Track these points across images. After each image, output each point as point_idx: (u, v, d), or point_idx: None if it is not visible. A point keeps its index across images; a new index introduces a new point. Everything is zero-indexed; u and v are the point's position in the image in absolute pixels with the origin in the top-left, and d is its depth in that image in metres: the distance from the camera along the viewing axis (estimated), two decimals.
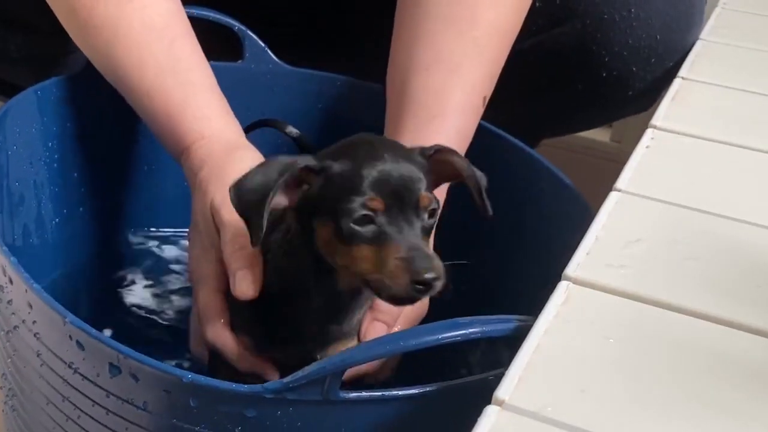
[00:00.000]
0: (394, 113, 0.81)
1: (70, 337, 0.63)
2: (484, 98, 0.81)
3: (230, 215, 0.70)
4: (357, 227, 0.63)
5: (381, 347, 0.59)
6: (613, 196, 0.71)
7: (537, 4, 0.86)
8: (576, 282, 0.61)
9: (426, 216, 0.64)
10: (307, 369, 0.59)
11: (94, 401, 0.64)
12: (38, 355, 0.67)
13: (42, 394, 0.68)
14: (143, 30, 0.80)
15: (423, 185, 0.65)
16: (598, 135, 1.43)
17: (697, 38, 1.01)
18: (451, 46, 0.80)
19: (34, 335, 0.66)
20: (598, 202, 0.70)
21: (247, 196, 0.64)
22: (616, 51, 0.97)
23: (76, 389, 0.65)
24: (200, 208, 0.74)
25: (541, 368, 0.53)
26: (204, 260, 0.72)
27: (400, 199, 0.64)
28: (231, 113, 0.81)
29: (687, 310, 0.59)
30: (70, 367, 0.64)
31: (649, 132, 0.82)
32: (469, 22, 0.81)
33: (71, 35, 0.82)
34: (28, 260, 0.67)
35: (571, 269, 0.62)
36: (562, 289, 0.60)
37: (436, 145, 0.68)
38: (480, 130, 0.91)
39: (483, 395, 0.51)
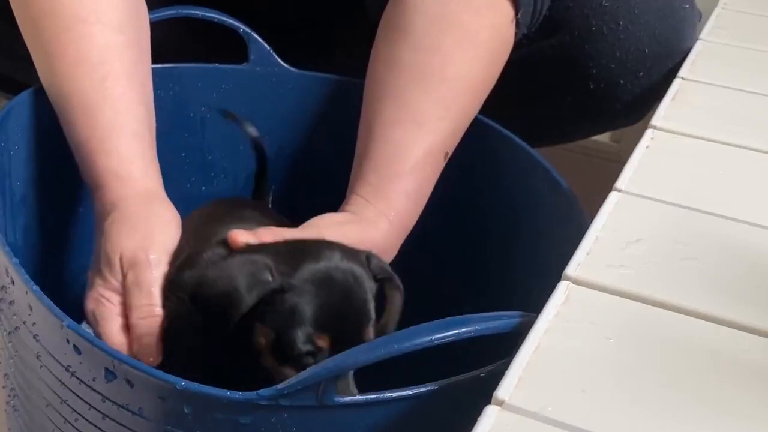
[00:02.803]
0: (358, 166, 0.81)
1: (67, 340, 0.63)
2: (446, 154, 0.82)
3: (143, 276, 0.70)
4: (296, 357, 0.65)
5: (374, 351, 0.59)
6: (613, 196, 0.71)
7: (524, 17, 0.86)
8: (576, 282, 0.61)
9: None
10: (302, 375, 0.58)
11: (90, 405, 0.64)
12: (38, 357, 0.67)
13: (41, 396, 0.68)
14: (75, 62, 0.78)
15: (369, 320, 0.67)
16: (598, 135, 1.43)
17: (688, 51, 1.01)
18: (417, 101, 0.80)
19: (34, 337, 0.66)
20: (598, 202, 0.70)
21: (215, 303, 0.66)
22: (603, 63, 0.97)
23: (73, 392, 0.64)
24: (106, 254, 0.72)
25: (541, 368, 0.53)
26: (106, 301, 0.71)
27: (347, 340, 0.65)
28: (154, 161, 0.80)
29: (687, 310, 0.59)
30: (67, 370, 0.64)
31: (649, 132, 0.82)
32: (438, 78, 0.81)
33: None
34: (30, 261, 0.67)
35: (571, 269, 0.62)
36: (562, 289, 0.60)
37: (389, 275, 0.71)
38: (481, 128, 0.92)
39: (478, 392, 0.51)
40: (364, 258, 0.70)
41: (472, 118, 0.85)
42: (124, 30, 0.81)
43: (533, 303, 0.59)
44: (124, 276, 0.71)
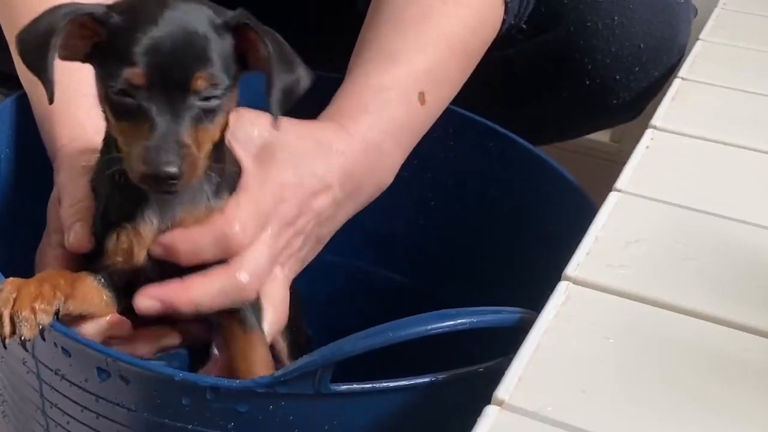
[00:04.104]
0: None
1: (55, 344, 0.62)
2: (421, 93, 0.78)
3: (69, 181, 0.68)
4: (117, 100, 0.60)
5: (370, 339, 0.59)
6: (613, 196, 0.71)
7: (512, 3, 0.86)
8: (576, 282, 0.61)
9: (198, 101, 0.60)
10: (298, 362, 0.59)
11: (83, 406, 0.63)
12: (24, 363, 0.66)
13: (31, 401, 0.68)
14: None
15: (203, 65, 0.60)
16: (598, 135, 1.43)
17: (684, 47, 1.01)
18: (393, 43, 0.79)
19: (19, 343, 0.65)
20: (598, 202, 0.70)
21: (32, 41, 0.61)
22: (599, 59, 0.98)
23: (64, 396, 0.64)
24: (51, 201, 0.72)
25: (541, 368, 0.53)
26: (47, 247, 0.70)
27: (167, 76, 0.59)
28: None
29: (686, 310, 0.59)
30: (56, 374, 0.63)
31: (649, 132, 0.82)
32: (417, 25, 0.80)
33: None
34: (20, 264, 0.67)
35: (571, 269, 0.62)
36: (562, 289, 0.60)
37: (242, 13, 0.62)
38: (480, 128, 0.92)
39: (476, 388, 0.51)
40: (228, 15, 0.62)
41: (451, 72, 0.82)
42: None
43: (541, 306, 0.59)
44: (59, 196, 0.69)
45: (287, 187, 0.69)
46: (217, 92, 0.61)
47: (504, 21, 0.86)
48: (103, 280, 0.65)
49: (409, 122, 0.78)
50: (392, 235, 0.96)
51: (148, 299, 0.63)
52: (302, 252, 0.73)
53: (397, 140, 0.77)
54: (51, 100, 0.62)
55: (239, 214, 0.65)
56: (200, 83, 0.60)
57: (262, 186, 0.68)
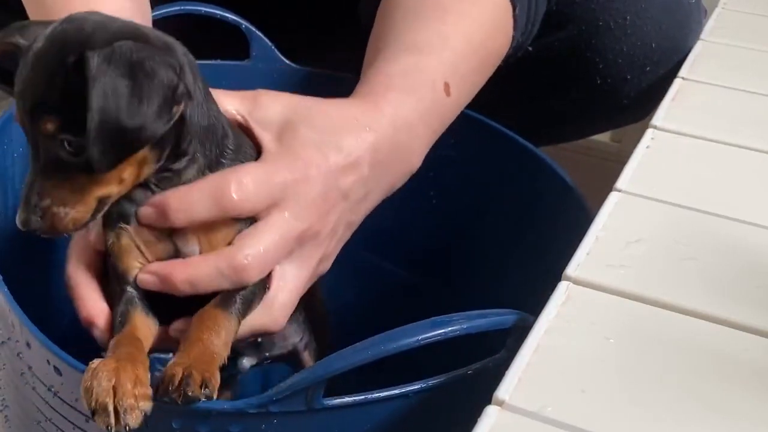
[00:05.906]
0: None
1: (48, 361, 0.61)
2: (446, 84, 0.76)
3: None
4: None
5: (361, 353, 0.58)
6: (613, 196, 0.71)
7: (521, 17, 0.86)
8: (576, 282, 0.61)
9: (56, 146, 0.56)
10: (290, 380, 0.58)
11: (75, 425, 0.62)
12: (21, 374, 0.66)
13: (28, 413, 0.67)
14: None
15: (47, 107, 0.55)
16: (599, 135, 1.43)
17: (693, 47, 1.01)
18: (415, 34, 0.78)
19: (17, 354, 0.65)
20: (599, 202, 0.70)
21: None
22: (610, 58, 0.98)
23: (57, 412, 0.63)
24: None
25: (541, 368, 0.53)
26: (79, 237, 0.67)
27: (26, 119, 0.56)
28: None
29: (687, 310, 0.59)
30: (50, 390, 0.62)
31: (649, 132, 0.82)
32: (437, 20, 0.79)
33: None
34: (32, 263, 0.66)
35: (571, 269, 0.62)
36: (562, 289, 0.60)
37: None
38: (484, 128, 0.92)
39: (468, 388, 0.51)
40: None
41: (472, 69, 0.80)
42: None
43: (541, 307, 0.59)
44: None
45: (311, 165, 0.64)
46: (65, 137, 0.56)
47: (513, 38, 0.86)
48: (143, 303, 0.62)
49: (437, 108, 0.75)
50: (394, 232, 0.96)
51: (146, 274, 0.61)
52: (331, 244, 0.67)
53: (426, 123, 0.74)
54: None
55: (239, 174, 0.61)
56: (46, 128, 0.56)
57: (279, 157, 0.63)
